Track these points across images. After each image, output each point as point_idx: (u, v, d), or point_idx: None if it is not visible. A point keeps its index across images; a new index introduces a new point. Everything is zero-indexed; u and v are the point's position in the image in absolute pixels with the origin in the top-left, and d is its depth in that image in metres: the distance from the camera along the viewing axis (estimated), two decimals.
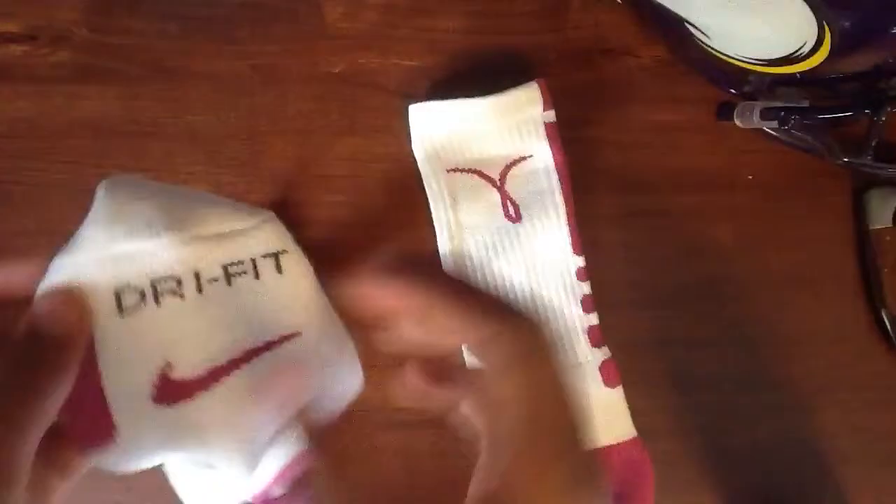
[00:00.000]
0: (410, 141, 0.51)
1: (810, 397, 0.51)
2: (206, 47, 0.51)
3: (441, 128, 0.50)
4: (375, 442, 0.49)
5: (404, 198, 0.51)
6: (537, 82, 0.50)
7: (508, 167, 0.51)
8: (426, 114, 0.50)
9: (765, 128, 0.51)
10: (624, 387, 0.49)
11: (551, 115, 0.51)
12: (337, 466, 0.33)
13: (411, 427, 0.49)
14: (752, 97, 0.51)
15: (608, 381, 0.49)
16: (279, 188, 0.51)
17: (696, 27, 0.46)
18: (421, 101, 0.50)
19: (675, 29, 0.47)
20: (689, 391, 0.51)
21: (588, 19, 0.53)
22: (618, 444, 0.49)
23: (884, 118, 0.47)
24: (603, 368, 0.49)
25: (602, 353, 0.49)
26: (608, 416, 0.49)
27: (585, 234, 0.50)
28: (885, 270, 0.52)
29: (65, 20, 0.52)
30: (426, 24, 0.51)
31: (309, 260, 0.30)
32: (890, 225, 0.52)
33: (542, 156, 0.51)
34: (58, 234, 0.50)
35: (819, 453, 0.50)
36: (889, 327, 0.52)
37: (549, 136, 0.51)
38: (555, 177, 0.51)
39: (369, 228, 0.51)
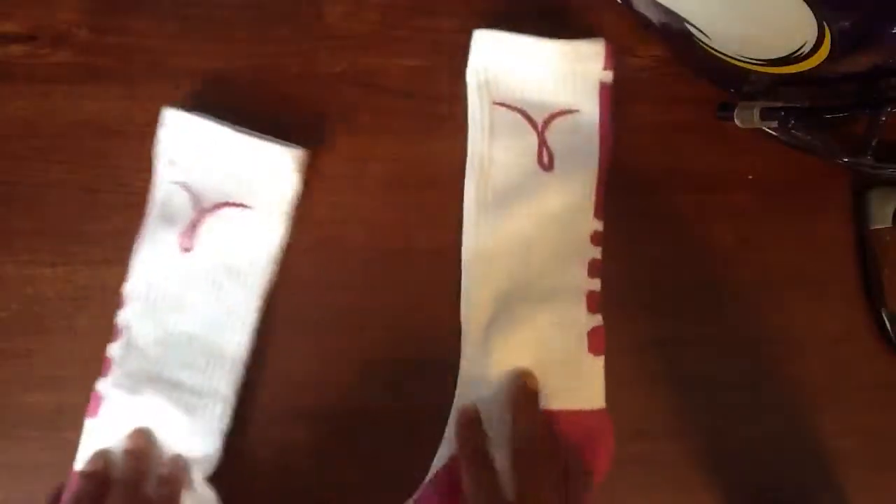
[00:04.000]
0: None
1: (810, 397, 0.51)
2: (206, 47, 0.52)
3: (500, 59, 0.50)
4: (371, 441, 0.49)
5: (404, 198, 0.51)
6: (604, 41, 0.50)
7: (553, 116, 0.51)
8: (489, 42, 0.50)
9: (765, 128, 0.51)
10: (624, 387, 0.49)
11: (609, 76, 0.51)
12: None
13: (414, 426, 0.49)
14: (752, 97, 0.51)
15: (592, 349, 0.49)
16: None
17: (696, 27, 0.46)
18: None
19: (675, 29, 0.47)
20: (688, 391, 0.51)
21: (588, 19, 0.53)
22: (584, 411, 0.49)
23: (884, 118, 0.46)
24: (591, 334, 0.49)
25: (595, 320, 0.49)
26: (583, 382, 0.49)
27: None
28: (885, 270, 0.52)
29: (65, 20, 0.52)
30: (426, 24, 0.51)
31: None
32: (890, 225, 0.52)
33: (589, 113, 0.51)
34: (58, 234, 0.51)
35: (819, 453, 0.50)
36: (889, 327, 0.51)
37: (602, 97, 0.51)
38: (596, 138, 0.51)
39: (369, 228, 0.51)
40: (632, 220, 0.52)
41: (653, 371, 0.51)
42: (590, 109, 0.51)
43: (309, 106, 0.52)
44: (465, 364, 0.49)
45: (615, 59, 0.51)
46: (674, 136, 0.53)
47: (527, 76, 0.51)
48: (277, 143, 0.49)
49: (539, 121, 0.51)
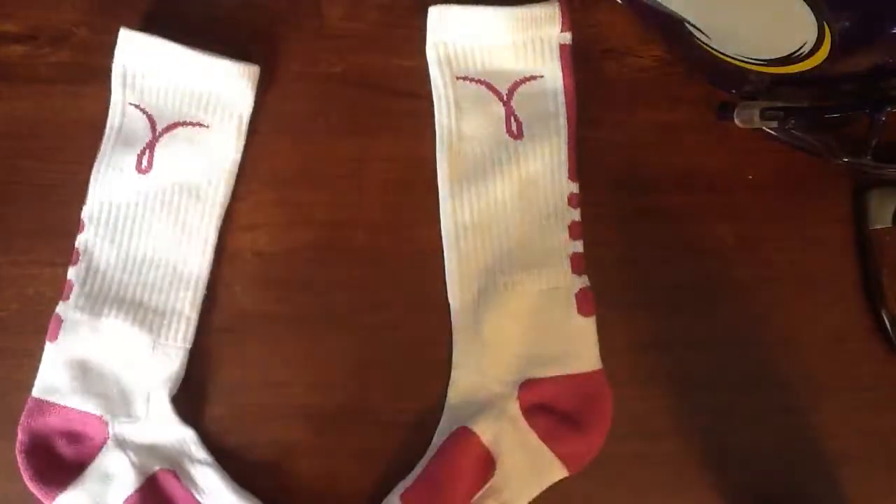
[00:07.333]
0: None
1: (810, 397, 0.51)
2: (205, 47, 0.52)
3: (457, 33, 0.50)
4: (371, 441, 0.49)
5: (404, 198, 0.51)
6: (558, 1, 0.50)
7: (517, 84, 0.51)
8: (445, 17, 0.50)
9: (765, 128, 0.51)
10: (624, 387, 0.49)
11: (567, 38, 0.51)
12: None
13: (413, 426, 0.49)
14: (752, 97, 0.51)
15: (582, 310, 0.49)
16: (279, 188, 0.51)
17: (696, 27, 0.46)
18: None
19: (675, 29, 0.47)
20: (689, 391, 0.51)
21: (588, 19, 0.53)
22: (581, 373, 0.49)
23: (884, 118, 0.47)
24: (579, 296, 0.49)
25: (581, 281, 0.49)
26: (577, 345, 0.49)
27: (586, 234, 0.50)
28: (885, 270, 0.52)
29: (65, 20, 0.52)
30: (426, 25, 0.51)
31: None
32: (890, 225, 0.52)
33: (552, 77, 0.51)
34: (58, 234, 0.51)
35: (819, 453, 0.50)
36: (889, 327, 0.51)
37: (563, 59, 0.51)
38: (562, 100, 0.51)
39: (369, 228, 0.51)
40: (632, 220, 0.52)
41: (652, 371, 0.51)
42: (552, 73, 0.51)
43: (309, 106, 0.52)
44: (457, 344, 0.49)
45: (571, 18, 0.51)
46: (674, 136, 0.53)
47: (486, 47, 0.51)
48: (231, 59, 0.49)
49: (503, 90, 0.51)
